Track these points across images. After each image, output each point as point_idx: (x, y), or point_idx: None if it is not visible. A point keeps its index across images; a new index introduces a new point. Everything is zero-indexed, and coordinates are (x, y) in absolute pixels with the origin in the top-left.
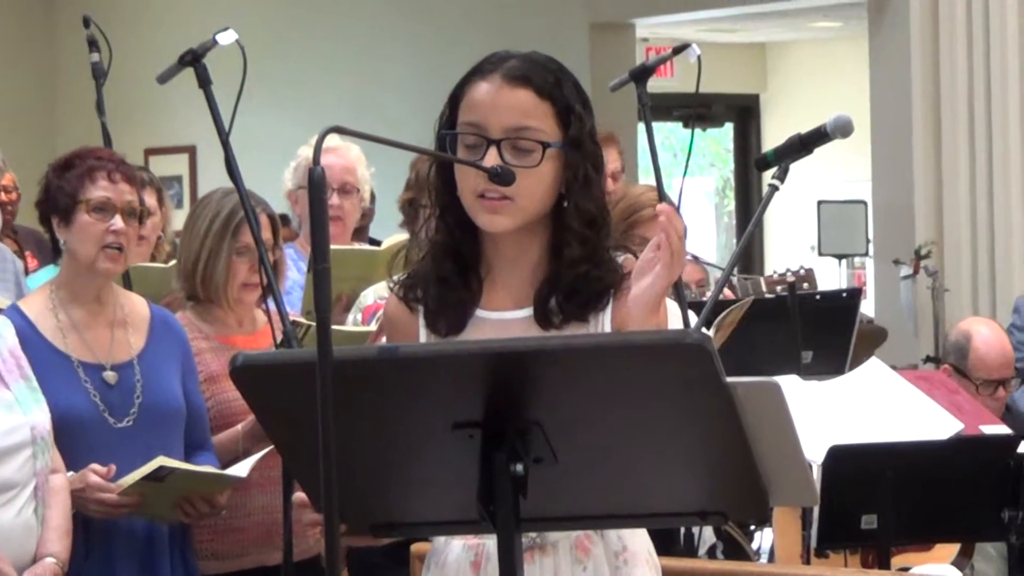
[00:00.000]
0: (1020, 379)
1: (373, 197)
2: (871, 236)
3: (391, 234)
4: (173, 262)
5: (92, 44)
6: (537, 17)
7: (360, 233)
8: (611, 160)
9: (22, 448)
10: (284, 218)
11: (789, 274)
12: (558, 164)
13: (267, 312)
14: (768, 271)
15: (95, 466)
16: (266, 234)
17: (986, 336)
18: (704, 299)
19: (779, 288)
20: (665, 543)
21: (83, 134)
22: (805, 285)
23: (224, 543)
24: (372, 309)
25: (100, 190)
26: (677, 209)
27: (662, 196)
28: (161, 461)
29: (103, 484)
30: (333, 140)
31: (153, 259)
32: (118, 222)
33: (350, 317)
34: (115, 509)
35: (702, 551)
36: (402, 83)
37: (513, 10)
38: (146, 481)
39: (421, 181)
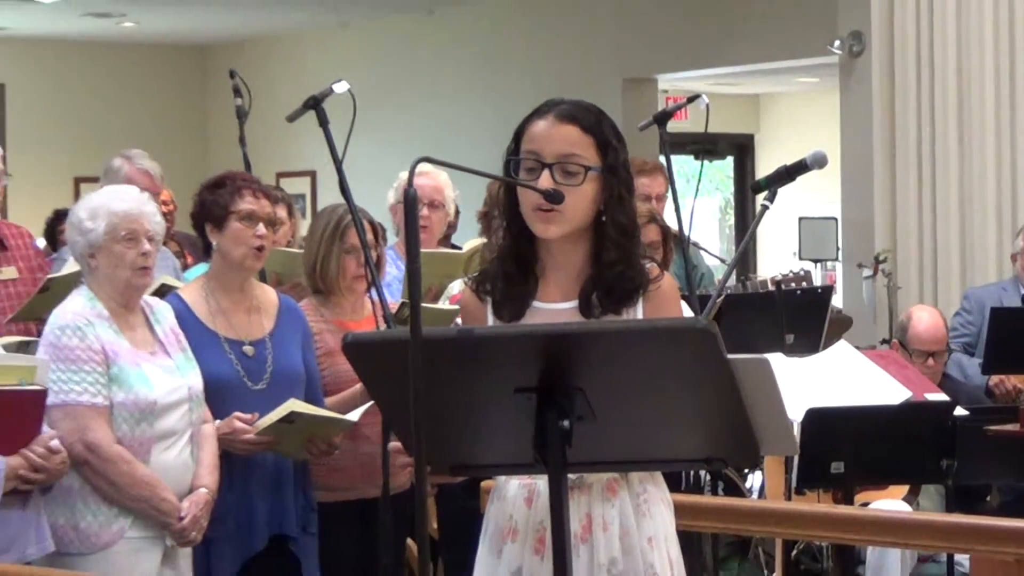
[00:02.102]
0: (964, 350)
1: (457, 212)
2: (840, 245)
3: (470, 241)
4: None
5: (236, 91)
6: (582, 73)
7: (445, 240)
8: (657, 184)
9: (181, 404)
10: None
11: (791, 274)
12: (597, 186)
13: (372, 300)
14: (760, 273)
15: (239, 414)
16: (369, 237)
17: (923, 318)
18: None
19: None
20: (674, 484)
21: (228, 161)
22: (804, 284)
23: (335, 479)
24: (457, 298)
25: (247, 203)
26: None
27: (677, 212)
28: (292, 405)
29: (246, 428)
30: (424, 167)
31: None
32: (261, 229)
33: (440, 303)
34: (254, 447)
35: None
36: (477, 124)
37: (562, 68)
38: (279, 423)
39: (493, 199)
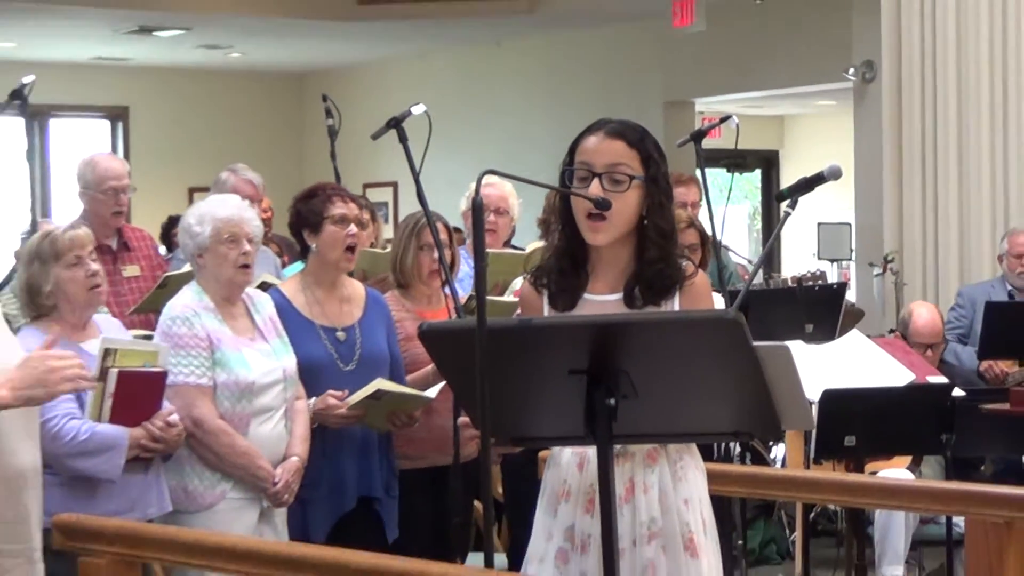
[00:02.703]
0: (959, 340)
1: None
2: (853, 246)
3: (530, 243)
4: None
5: (328, 113)
6: (628, 97)
7: (509, 242)
8: (690, 194)
9: (276, 383)
10: (458, 229)
11: (809, 274)
12: (641, 194)
13: (445, 294)
14: (784, 272)
15: (332, 392)
16: (444, 239)
17: (922, 314)
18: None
19: (790, 281)
20: (706, 454)
21: (320, 174)
22: (820, 281)
23: (413, 448)
24: (519, 292)
25: (339, 209)
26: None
27: (711, 218)
28: (378, 384)
29: (337, 403)
30: (491, 178)
31: None
32: (353, 229)
33: (505, 297)
34: (345, 420)
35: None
36: (537, 140)
37: (611, 92)
38: (367, 400)
39: (551, 207)
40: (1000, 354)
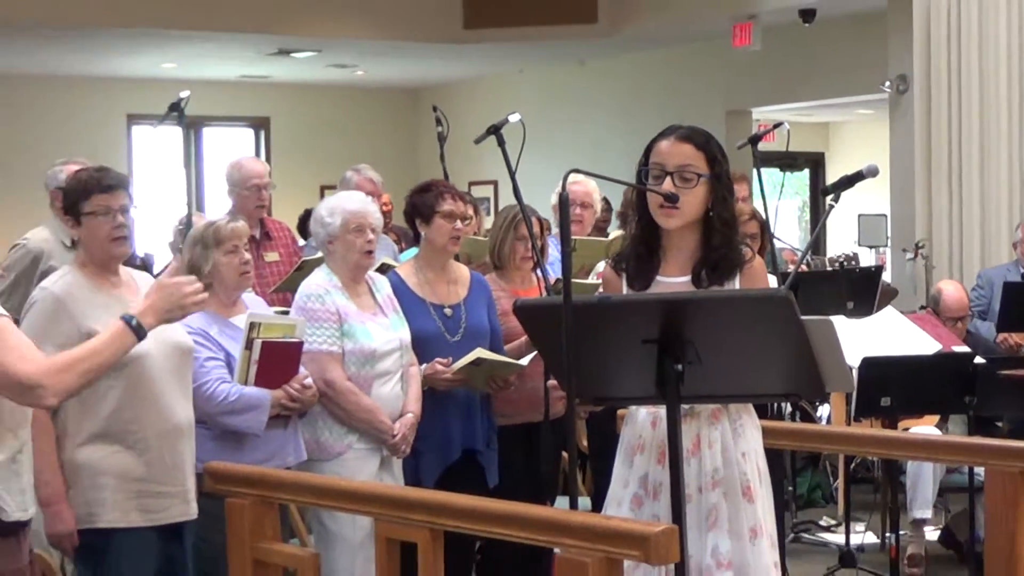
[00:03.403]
0: (979, 317)
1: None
2: (889, 234)
3: (612, 232)
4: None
5: (437, 121)
6: (695, 106)
7: (598, 231)
8: (741, 190)
9: (394, 351)
10: (548, 222)
11: (843, 257)
12: (706, 189)
13: (536, 276)
14: (829, 255)
15: (439, 359)
16: (536, 230)
17: (950, 291)
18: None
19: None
20: (761, 412)
21: (431, 173)
22: (853, 263)
23: (509, 407)
24: (601, 274)
25: (448, 204)
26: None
27: (766, 210)
28: (479, 353)
29: (444, 369)
30: (576, 177)
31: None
32: (459, 224)
33: (591, 277)
34: (450, 383)
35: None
36: (617, 144)
37: (680, 102)
38: (469, 366)
39: (628, 201)
40: (1015, 328)
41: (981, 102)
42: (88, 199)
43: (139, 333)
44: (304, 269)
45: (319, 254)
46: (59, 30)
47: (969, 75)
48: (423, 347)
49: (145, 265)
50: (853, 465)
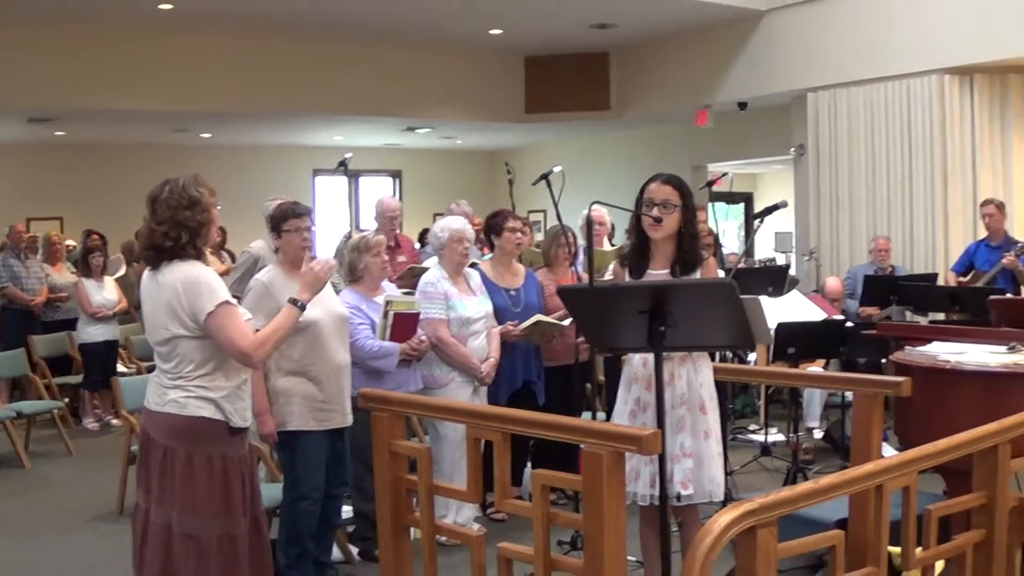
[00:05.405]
0: (849, 297)
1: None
2: (794, 244)
3: (620, 244)
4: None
5: (508, 171)
6: (669, 162)
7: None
8: (702, 215)
9: (481, 318)
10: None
11: (766, 259)
12: (680, 214)
13: (572, 271)
14: (756, 258)
15: (510, 323)
16: (571, 240)
17: (832, 282)
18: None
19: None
20: (712, 357)
21: (503, 204)
22: (772, 262)
23: (552, 354)
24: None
25: (511, 223)
26: (717, 237)
27: (717, 229)
28: (537, 317)
29: (512, 329)
30: (597, 207)
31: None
32: (519, 236)
33: (607, 276)
34: (518, 338)
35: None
36: (621, 186)
37: (658, 159)
38: (530, 326)
39: (631, 226)
40: (871, 304)
41: (849, 162)
42: (286, 221)
43: (301, 307)
44: (413, 271)
45: (433, 258)
46: (267, 115)
47: (841, 145)
48: (499, 315)
49: None
50: (770, 391)
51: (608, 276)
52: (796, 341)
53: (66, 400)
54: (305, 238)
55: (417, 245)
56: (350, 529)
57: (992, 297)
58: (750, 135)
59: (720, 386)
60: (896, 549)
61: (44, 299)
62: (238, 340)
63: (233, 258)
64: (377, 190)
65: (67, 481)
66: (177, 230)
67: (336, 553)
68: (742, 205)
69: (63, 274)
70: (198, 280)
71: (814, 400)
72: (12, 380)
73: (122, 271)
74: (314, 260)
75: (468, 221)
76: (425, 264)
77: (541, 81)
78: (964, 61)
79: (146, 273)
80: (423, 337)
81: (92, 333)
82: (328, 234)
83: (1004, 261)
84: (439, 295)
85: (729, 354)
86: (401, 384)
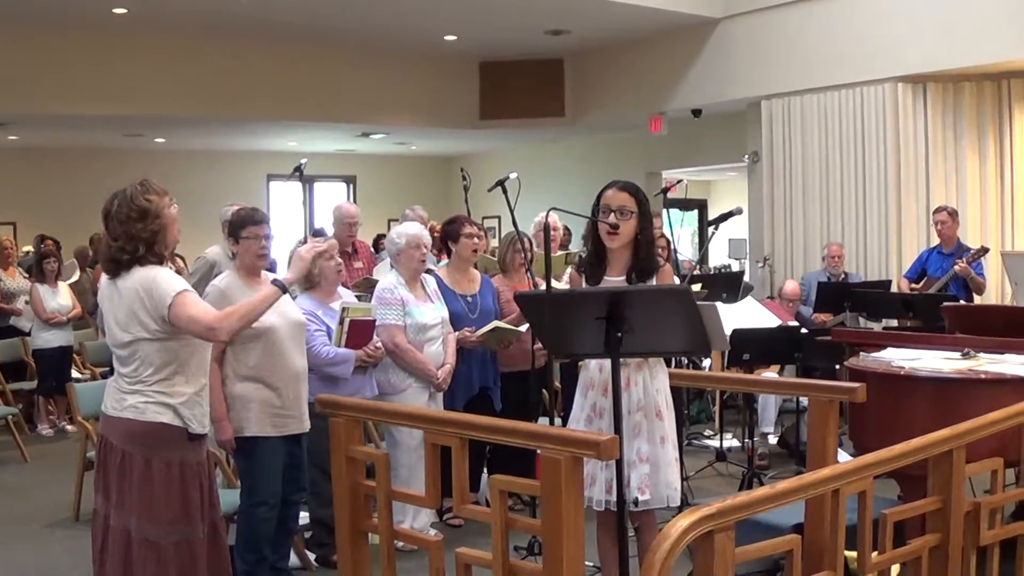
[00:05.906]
0: (802, 303)
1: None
2: (748, 251)
3: (573, 250)
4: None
5: (463, 177)
6: (624, 169)
7: (559, 247)
8: (657, 222)
9: (437, 324)
10: (531, 240)
11: (720, 265)
12: (636, 221)
13: (527, 277)
14: (710, 265)
15: (467, 329)
16: (527, 246)
17: (790, 285)
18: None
19: (714, 270)
20: (668, 363)
21: (459, 210)
22: (726, 269)
23: (509, 359)
24: (567, 276)
25: (468, 229)
26: (671, 243)
27: (672, 235)
28: (495, 324)
29: (469, 335)
30: (553, 214)
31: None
32: (476, 242)
33: (563, 280)
34: (474, 344)
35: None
36: (575, 193)
37: (614, 166)
38: (487, 332)
39: (587, 232)
40: (824, 310)
41: (803, 170)
42: (245, 228)
43: (284, 288)
44: (369, 282)
45: (387, 263)
46: (224, 121)
47: (795, 152)
48: (455, 322)
49: (271, 269)
50: (725, 396)
51: (564, 283)
52: (751, 347)
53: (20, 406)
54: (263, 245)
55: (372, 251)
56: (308, 535)
57: (945, 304)
58: (704, 142)
59: (676, 392)
60: (852, 553)
61: None
62: (202, 316)
63: (186, 263)
64: (332, 196)
65: (22, 488)
66: (133, 243)
67: (294, 559)
68: (696, 212)
69: (15, 279)
70: (156, 278)
71: (769, 405)
72: None
73: (76, 276)
74: (300, 249)
75: (425, 226)
76: (379, 269)
77: (496, 87)
78: (917, 70)
79: (104, 279)
80: (379, 344)
81: (46, 339)
82: (283, 239)
83: (956, 268)
84: (396, 301)
85: (684, 360)
86: (356, 391)
